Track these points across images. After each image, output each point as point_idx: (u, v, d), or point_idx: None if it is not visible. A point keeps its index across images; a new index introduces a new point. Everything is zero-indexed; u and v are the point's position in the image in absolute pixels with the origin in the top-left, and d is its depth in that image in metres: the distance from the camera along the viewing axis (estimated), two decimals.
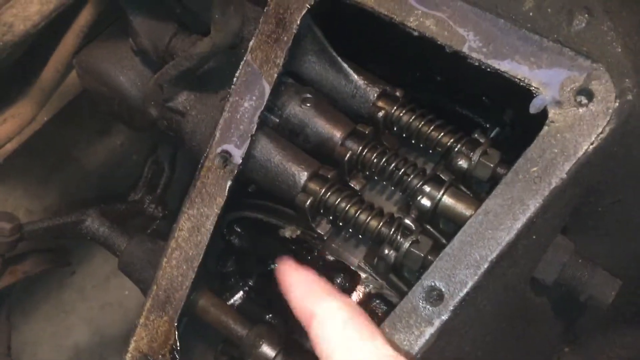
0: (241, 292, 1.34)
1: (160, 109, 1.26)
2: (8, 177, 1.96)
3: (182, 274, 1.08)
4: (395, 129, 1.14)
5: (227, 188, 1.07)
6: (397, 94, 1.15)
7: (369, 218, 1.07)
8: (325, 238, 1.12)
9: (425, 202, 1.05)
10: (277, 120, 1.15)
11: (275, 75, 1.08)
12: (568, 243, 1.05)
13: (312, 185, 1.09)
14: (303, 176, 1.09)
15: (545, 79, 0.97)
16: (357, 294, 1.15)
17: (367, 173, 1.13)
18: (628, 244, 1.17)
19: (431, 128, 1.11)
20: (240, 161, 1.07)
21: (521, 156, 0.96)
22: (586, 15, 0.99)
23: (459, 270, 0.94)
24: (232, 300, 1.33)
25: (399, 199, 1.16)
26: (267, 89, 1.08)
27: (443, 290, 0.94)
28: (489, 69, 1.00)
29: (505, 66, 0.99)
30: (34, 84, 1.46)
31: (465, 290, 0.93)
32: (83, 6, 1.36)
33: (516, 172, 0.96)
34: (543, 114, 0.96)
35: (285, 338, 1.13)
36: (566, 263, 1.04)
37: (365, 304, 1.14)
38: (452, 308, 0.93)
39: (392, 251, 1.04)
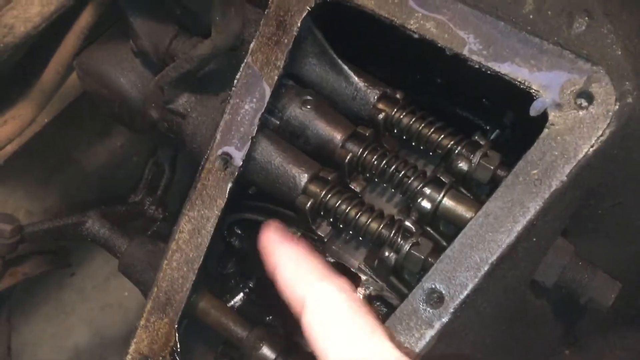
0: (241, 294, 1.34)
1: (160, 111, 1.27)
2: (8, 178, 1.96)
3: (182, 275, 1.08)
4: (395, 131, 1.14)
5: (228, 190, 1.07)
6: (398, 96, 1.15)
7: (370, 220, 1.07)
8: (325, 240, 1.12)
9: (426, 204, 1.05)
10: (278, 123, 1.15)
11: (276, 77, 1.09)
12: (568, 245, 1.05)
13: (313, 188, 1.09)
14: (303, 178, 1.09)
15: (546, 82, 0.97)
16: None
17: (368, 175, 1.13)
18: (628, 247, 1.17)
19: (431, 130, 1.11)
20: (241, 163, 1.07)
21: (521, 159, 0.96)
22: (586, 18, 0.99)
23: (460, 272, 0.94)
24: (232, 302, 1.33)
25: (399, 201, 1.16)
26: (268, 91, 1.08)
27: (443, 292, 0.94)
28: (489, 72, 1.00)
29: (505, 69, 0.99)
30: (34, 85, 1.46)
31: (465, 293, 0.93)
32: (84, 8, 1.36)
33: (516, 174, 0.96)
34: (543, 117, 0.97)
35: (286, 340, 1.13)
36: (566, 266, 1.04)
37: None
38: (452, 310, 0.93)
39: (392, 253, 1.04)
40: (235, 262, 1.37)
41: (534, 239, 0.97)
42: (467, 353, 1.02)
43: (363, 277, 1.12)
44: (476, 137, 1.09)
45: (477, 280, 0.93)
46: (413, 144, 1.14)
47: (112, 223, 1.42)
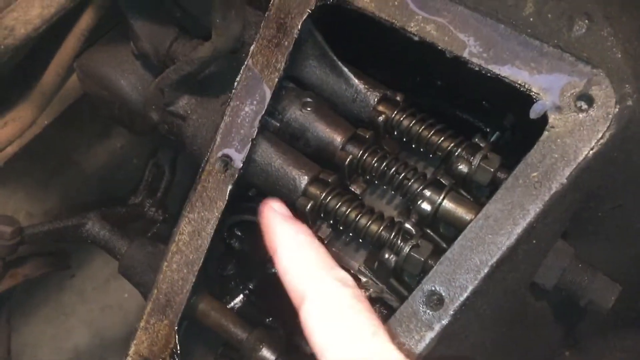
0: (241, 296, 1.34)
1: (161, 113, 1.27)
2: (9, 180, 1.96)
3: (182, 277, 1.08)
4: (395, 133, 1.14)
5: (228, 192, 1.07)
6: (398, 98, 1.15)
7: (369, 222, 1.07)
8: (325, 242, 1.12)
9: (426, 206, 1.05)
10: (278, 125, 1.15)
11: (276, 79, 1.09)
12: (568, 248, 1.05)
13: (313, 190, 1.09)
14: (303, 180, 1.09)
15: (546, 85, 0.97)
16: None
17: (368, 177, 1.13)
18: (628, 249, 1.17)
19: (431, 132, 1.12)
20: (241, 165, 1.08)
21: (521, 161, 0.96)
22: (586, 20, 0.99)
23: (459, 274, 0.94)
24: (232, 304, 1.33)
25: (399, 203, 1.16)
26: (268, 94, 1.09)
27: (443, 294, 0.94)
28: (489, 74, 1.00)
29: (505, 71, 0.99)
30: (34, 87, 1.46)
31: (465, 295, 0.93)
32: (84, 10, 1.36)
33: (516, 177, 0.96)
34: (543, 119, 0.97)
35: (286, 341, 1.13)
36: (566, 268, 1.04)
37: None
38: (452, 312, 0.93)
39: (392, 255, 1.04)
40: (235, 263, 1.37)
41: (534, 242, 0.97)
42: (467, 355, 1.02)
43: (363, 279, 1.12)
44: (476, 140, 1.09)
45: (477, 282, 0.93)
46: (413, 146, 1.14)
47: (112, 225, 1.42)
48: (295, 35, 1.09)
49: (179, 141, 1.27)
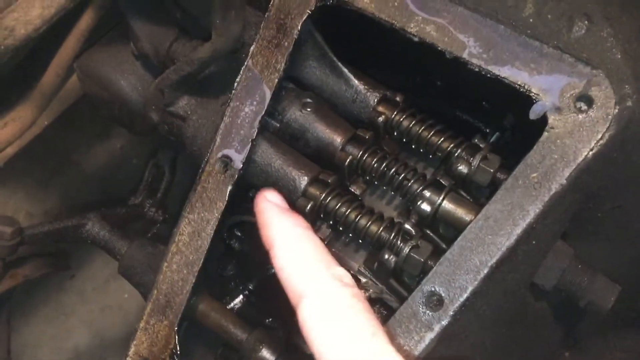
0: (241, 296, 1.34)
1: (161, 114, 1.27)
2: (9, 180, 1.97)
3: (182, 278, 1.08)
4: (395, 133, 1.15)
5: (228, 193, 1.07)
6: (398, 99, 1.15)
7: (369, 223, 1.07)
8: (325, 242, 1.12)
9: (426, 207, 1.05)
10: (278, 125, 1.15)
11: (276, 80, 1.09)
12: (568, 248, 1.05)
13: (313, 190, 1.09)
14: (303, 181, 1.09)
15: (545, 85, 0.97)
16: None
17: (368, 178, 1.14)
18: (628, 250, 1.17)
19: (431, 133, 1.12)
20: (241, 166, 1.08)
21: (521, 162, 0.96)
22: (586, 21, 0.99)
23: (459, 275, 0.94)
24: (232, 304, 1.33)
25: (399, 204, 1.16)
26: (268, 94, 1.09)
27: (443, 295, 0.94)
28: (489, 75, 1.00)
29: (505, 72, 0.99)
30: (34, 87, 1.46)
31: (465, 296, 0.93)
32: (84, 10, 1.36)
33: (516, 177, 0.96)
34: (543, 120, 0.97)
35: (285, 342, 1.13)
36: (566, 268, 1.04)
37: None
38: (452, 313, 0.93)
39: (392, 256, 1.04)
40: (235, 264, 1.37)
41: (534, 242, 0.98)
42: (467, 356, 1.02)
43: (363, 280, 1.12)
44: (476, 140, 1.09)
45: (476, 283, 0.93)
46: (413, 146, 1.14)
47: (112, 225, 1.42)
48: (295, 36, 1.09)
49: (178, 142, 1.27)
